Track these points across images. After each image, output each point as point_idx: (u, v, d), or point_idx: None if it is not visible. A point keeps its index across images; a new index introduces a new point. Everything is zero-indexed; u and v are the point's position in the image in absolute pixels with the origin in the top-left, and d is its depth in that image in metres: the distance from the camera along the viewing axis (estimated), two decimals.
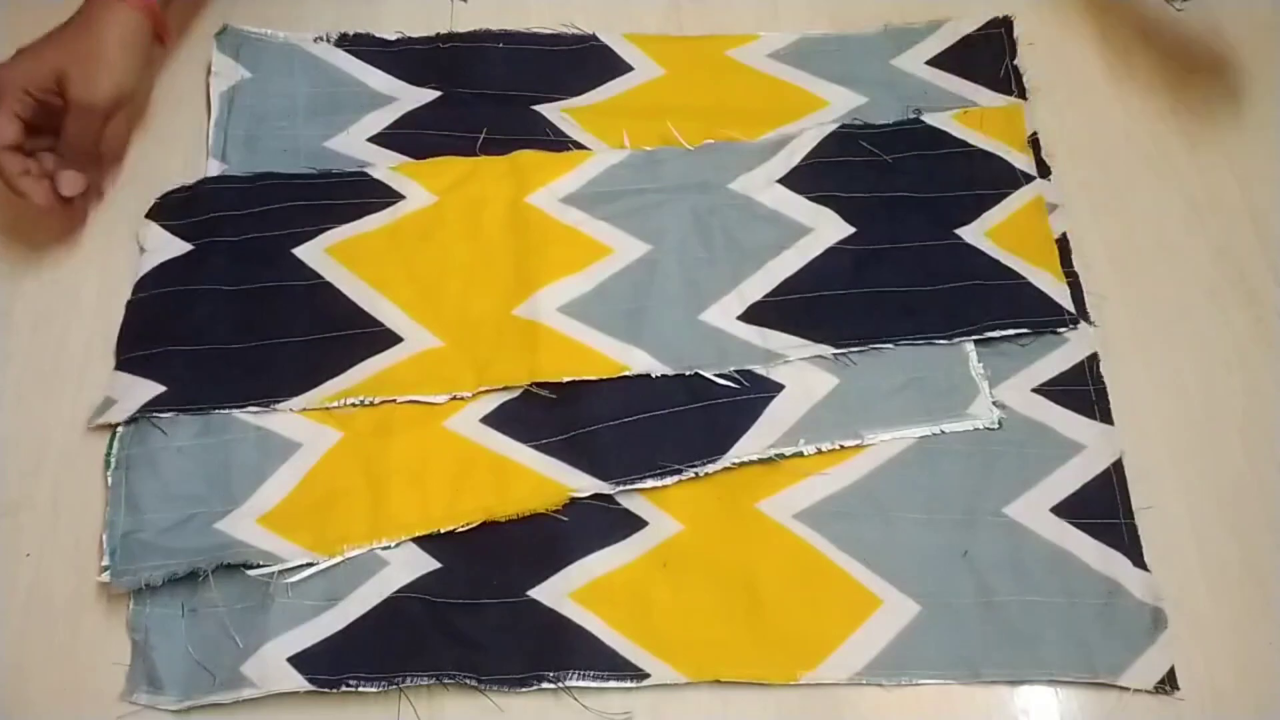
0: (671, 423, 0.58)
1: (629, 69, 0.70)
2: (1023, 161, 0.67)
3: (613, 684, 0.53)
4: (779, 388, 0.59)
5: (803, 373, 0.60)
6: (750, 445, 0.58)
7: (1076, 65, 0.73)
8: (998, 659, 0.54)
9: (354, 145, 0.67)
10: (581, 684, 0.53)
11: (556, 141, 0.67)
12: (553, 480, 0.57)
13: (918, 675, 0.54)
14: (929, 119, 0.68)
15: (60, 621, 0.53)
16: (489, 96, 0.69)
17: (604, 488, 0.57)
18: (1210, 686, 0.54)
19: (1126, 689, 0.53)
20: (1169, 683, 0.53)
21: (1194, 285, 0.65)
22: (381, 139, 0.67)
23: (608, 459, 0.57)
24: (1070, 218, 0.66)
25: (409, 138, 0.67)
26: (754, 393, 0.59)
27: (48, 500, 0.56)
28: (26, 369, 0.60)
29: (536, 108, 0.68)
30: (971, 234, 0.64)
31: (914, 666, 0.54)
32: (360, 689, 0.52)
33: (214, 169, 0.65)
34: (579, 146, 0.67)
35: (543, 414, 0.58)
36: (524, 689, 0.52)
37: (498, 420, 0.58)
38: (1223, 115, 0.71)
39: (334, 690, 0.51)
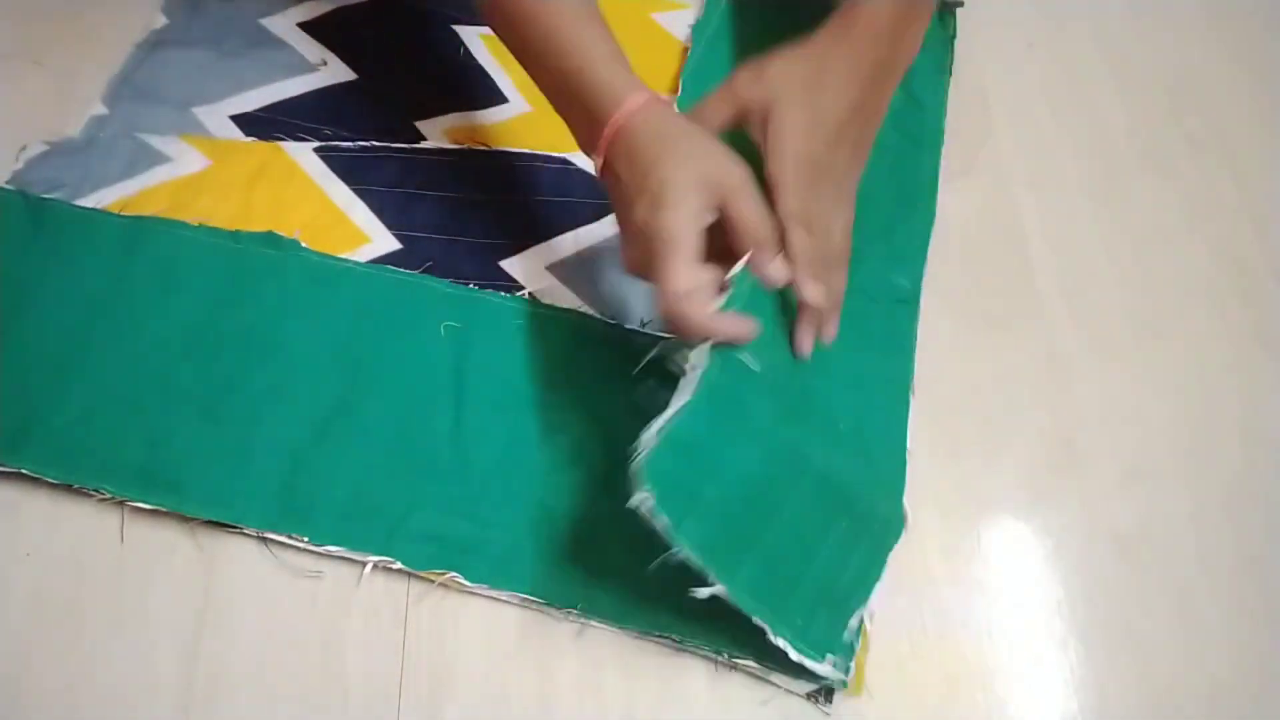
0: None
1: None
2: None
3: None
4: None
5: None
6: None
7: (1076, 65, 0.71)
8: None
9: (282, 26, 0.70)
10: None
11: (464, 64, 0.69)
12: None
13: None
14: None
15: (60, 621, 0.51)
16: (414, 10, 0.71)
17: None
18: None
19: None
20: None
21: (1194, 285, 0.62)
22: (309, 26, 0.70)
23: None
24: (1070, 213, 0.65)
25: (334, 28, 0.70)
26: None
27: (48, 499, 0.54)
28: None
29: (456, 27, 0.70)
30: None
31: None
32: None
33: (159, 22, 0.70)
34: (481, 73, 0.69)
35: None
36: None
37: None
38: (1223, 115, 0.69)
39: None
